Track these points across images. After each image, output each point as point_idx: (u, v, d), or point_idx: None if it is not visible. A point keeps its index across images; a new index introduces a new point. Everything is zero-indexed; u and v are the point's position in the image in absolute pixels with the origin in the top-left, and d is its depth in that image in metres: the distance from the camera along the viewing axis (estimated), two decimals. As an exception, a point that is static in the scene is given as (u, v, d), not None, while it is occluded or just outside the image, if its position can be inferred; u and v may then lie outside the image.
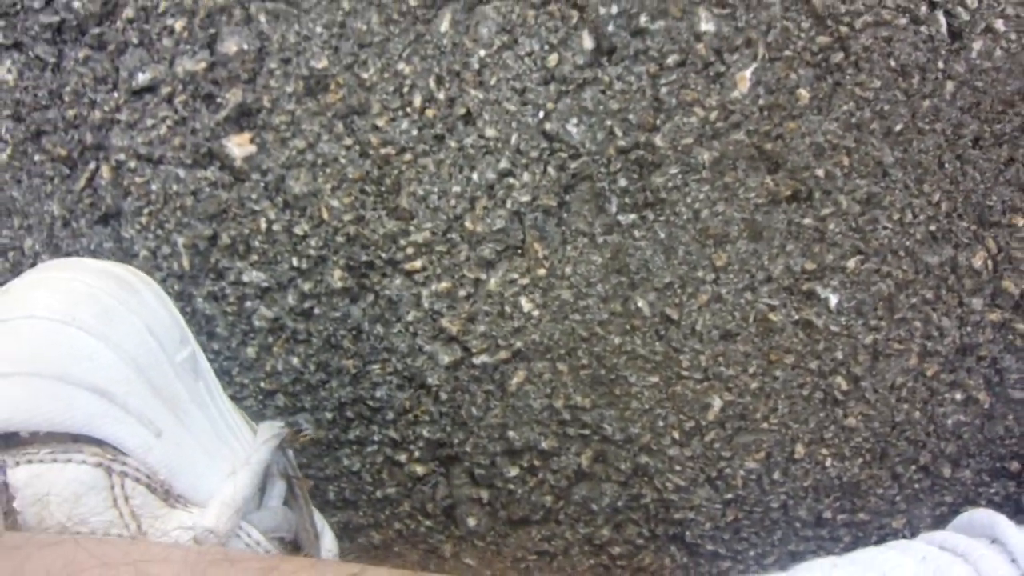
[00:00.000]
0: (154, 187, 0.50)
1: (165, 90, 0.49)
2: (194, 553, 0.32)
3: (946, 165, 0.49)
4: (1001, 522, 0.40)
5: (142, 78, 0.49)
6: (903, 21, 0.48)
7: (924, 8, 0.48)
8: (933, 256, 0.50)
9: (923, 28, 0.48)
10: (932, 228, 0.50)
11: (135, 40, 0.49)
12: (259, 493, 0.41)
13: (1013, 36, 0.49)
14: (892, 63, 0.49)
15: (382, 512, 0.53)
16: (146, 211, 0.50)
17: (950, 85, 0.49)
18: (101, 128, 0.49)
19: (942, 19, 0.49)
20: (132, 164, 0.49)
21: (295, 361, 0.51)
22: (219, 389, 0.42)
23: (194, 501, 0.37)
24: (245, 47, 0.48)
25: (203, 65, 0.48)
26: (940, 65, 0.49)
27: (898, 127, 0.49)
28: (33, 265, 0.39)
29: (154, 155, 0.49)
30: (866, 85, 0.49)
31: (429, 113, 0.49)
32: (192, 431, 0.38)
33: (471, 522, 0.53)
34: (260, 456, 0.40)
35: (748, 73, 0.48)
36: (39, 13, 0.49)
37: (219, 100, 0.49)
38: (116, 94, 0.49)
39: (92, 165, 0.50)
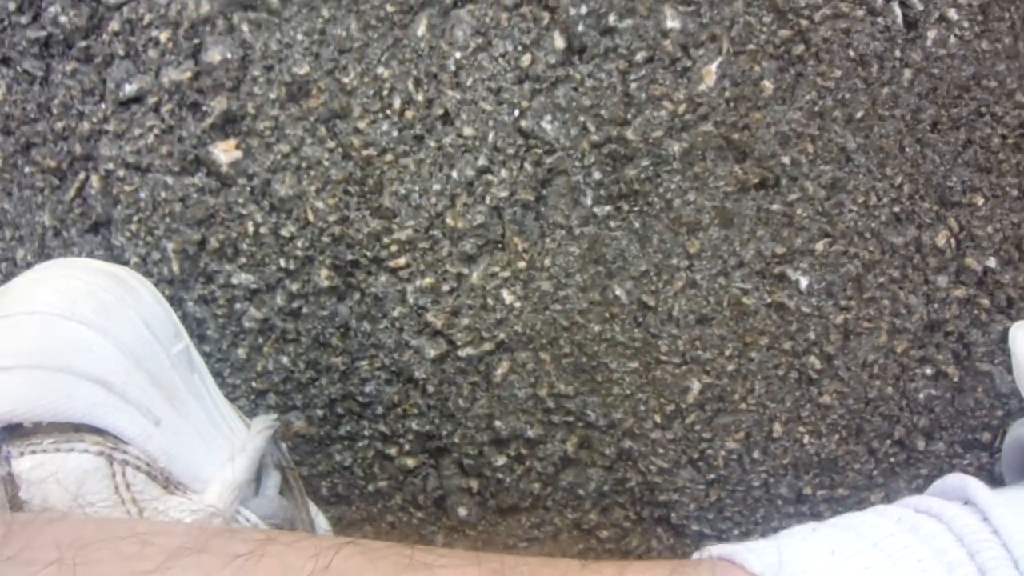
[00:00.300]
0: (143, 195, 0.51)
1: (151, 100, 0.50)
2: (196, 527, 0.34)
3: (907, 149, 0.52)
4: (972, 483, 0.41)
5: (129, 89, 0.50)
6: (860, 13, 0.50)
7: (880, 0, 0.50)
8: (898, 237, 0.52)
9: (880, 19, 0.51)
10: (896, 210, 0.52)
11: (121, 52, 0.50)
12: (255, 483, 0.43)
13: (966, 24, 0.51)
14: (851, 53, 0.51)
15: (374, 506, 0.54)
16: (135, 218, 0.51)
17: (907, 73, 0.51)
18: (90, 139, 0.51)
19: (897, 10, 0.51)
20: (121, 173, 0.51)
21: (285, 360, 0.52)
22: (213, 383, 0.44)
23: (193, 488, 0.38)
24: (229, 56, 0.50)
25: (188, 75, 0.50)
26: (897, 54, 0.51)
27: (859, 114, 0.51)
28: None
29: (142, 164, 0.51)
30: (827, 75, 0.51)
31: (408, 115, 0.50)
32: (190, 420, 0.39)
33: (462, 512, 0.54)
34: (255, 444, 0.41)
35: (714, 67, 0.50)
36: (26, 28, 0.50)
37: (204, 108, 0.50)
38: (104, 105, 0.51)
39: (81, 175, 0.51)
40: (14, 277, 0.41)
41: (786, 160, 0.51)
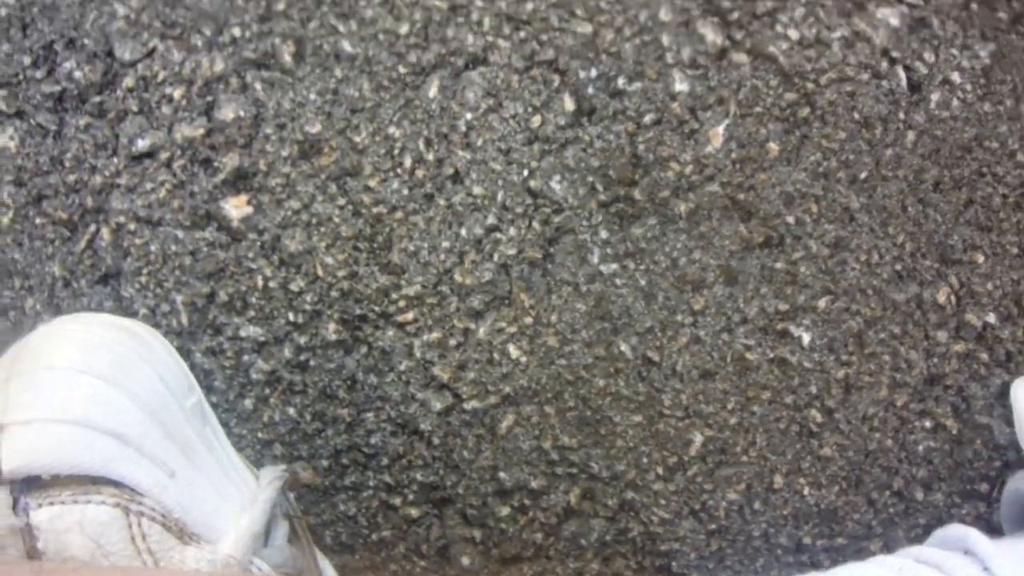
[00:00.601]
0: (153, 248, 0.51)
1: (164, 155, 0.51)
2: (216, 574, 0.34)
3: (909, 208, 0.52)
4: (972, 534, 0.41)
5: (141, 144, 0.51)
6: (865, 76, 0.51)
7: (884, 64, 0.51)
8: (899, 294, 0.53)
9: (884, 82, 0.51)
10: (898, 268, 0.53)
11: (135, 108, 0.51)
12: (264, 534, 0.43)
13: (968, 87, 0.52)
14: (856, 116, 0.51)
15: (378, 555, 0.55)
16: (145, 271, 0.52)
17: (911, 134, 0.52)
18: (101, 192, 0.51)
19: (902, 73, 0.52)
20: (132, 226, 0.51)
21: (292, 411, 0.53)
22: (223, 435, 0.44)
23: (207, 538, 0.38)
24: (242, 114, 0.50)
25: (201, 131, 0.50)
26: (901, 116, 0.52)
27: (863, 175, 0.52)
28: (34, 325, 0.41)
29: (153, 217, 0.51)
30: (832, 137, 0.51)
31: (419, 173, 0.51)
32: (203, 472, 0.40)
33: (465, 561, 0.55)
34: (267, 495, 0.42)
35: (720, 129, 0.51)
36: (41, 83, 0.51)
37: (216, 164, 0.51)
38: (116, 159, 0.51)
39: (92, 227, 0.52)
40: (23, 326, 0.42)
41: (791, 219, 0.52)
